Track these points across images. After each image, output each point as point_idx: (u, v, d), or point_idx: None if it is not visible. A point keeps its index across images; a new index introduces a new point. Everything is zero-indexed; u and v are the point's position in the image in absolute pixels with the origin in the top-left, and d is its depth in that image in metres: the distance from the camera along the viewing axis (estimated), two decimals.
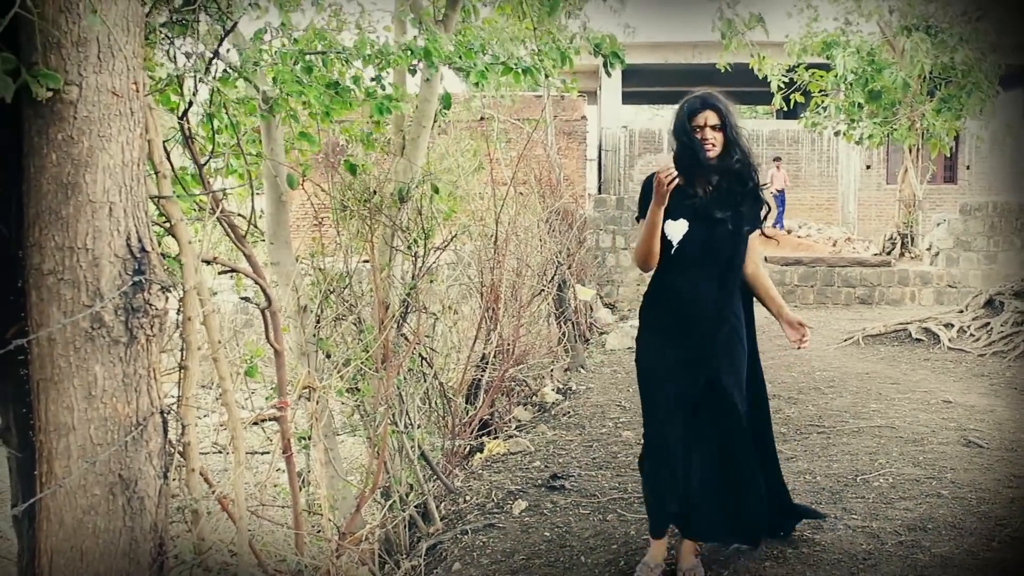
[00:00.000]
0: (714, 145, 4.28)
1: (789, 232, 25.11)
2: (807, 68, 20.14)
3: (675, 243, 4.35)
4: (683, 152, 4.33)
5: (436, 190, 6.96)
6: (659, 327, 4.50)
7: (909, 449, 6.62)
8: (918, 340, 12.09)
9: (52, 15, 2.86)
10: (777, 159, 26.72)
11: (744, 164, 4.36)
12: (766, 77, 17.64)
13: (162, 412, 3.26)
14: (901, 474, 6.01)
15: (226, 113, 5.46)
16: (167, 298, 3.23)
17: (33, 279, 2.97)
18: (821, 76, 20.17)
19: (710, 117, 4.28)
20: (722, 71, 16.03)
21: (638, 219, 4.41)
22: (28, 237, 2.97)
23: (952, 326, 12.18)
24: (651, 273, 4.51)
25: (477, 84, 6.42)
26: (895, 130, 19.47)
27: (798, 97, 19.73)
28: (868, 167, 28.86)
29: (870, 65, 18.72)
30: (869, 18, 19.04)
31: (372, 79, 6.27)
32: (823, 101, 20.57)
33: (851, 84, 19.05)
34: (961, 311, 12.75)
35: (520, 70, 6.57)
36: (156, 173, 3.49)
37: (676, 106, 4.44)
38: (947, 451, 6.56)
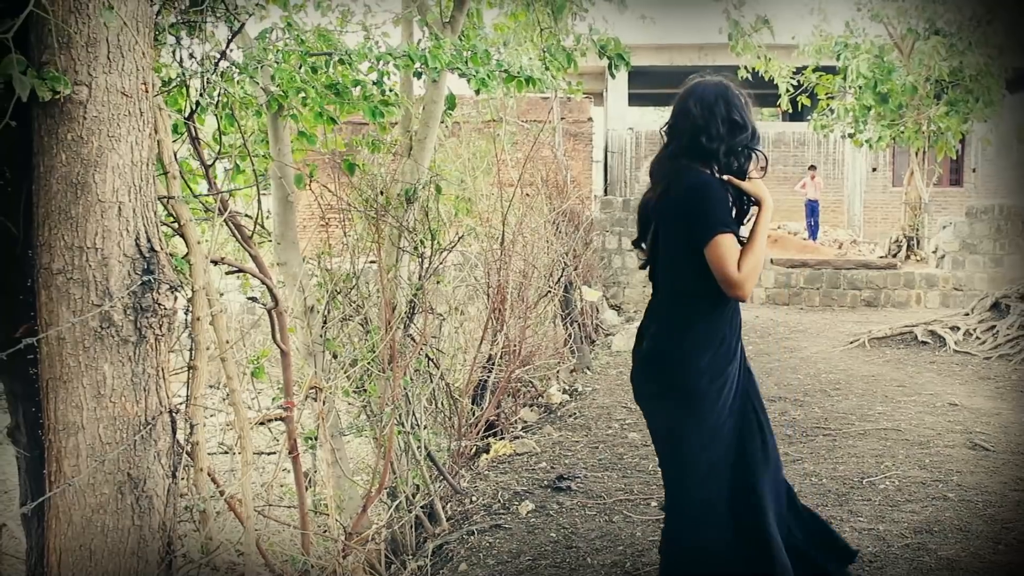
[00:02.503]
0: None
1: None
2: (814, 71, 20.15)
3: None
4: (756, 138, 3.71)
5: (439, 190, 6.97)
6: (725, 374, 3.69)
7: (915, 452, 6.62)
8: (924, 343, 12.08)
9: (62, 15, 2.87)
10: (812, 167, 26.07)
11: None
12: (772, 79, 17.66)
13: (171, 412, 3.27)
14: (907, 477, 6.01)
15: (231, 113, 5.48)
16: (176, 298, 3.25)
17: (43, 278, 2.98)
18: (829, 79, 20.17)
19: None
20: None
21: (725, 230, 3.49)
22: (38, 236, 2.99)
23: (958, 329, 12.16)
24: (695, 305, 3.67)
25: (478, 91, 6.44)
26: (902, 133, 19.45)
27: (804, 100, 19.73)
28: (874, 169, 28.86)
29: (878, 68, 18.72)
30: (876, 21, 19.03)
31: (374, 82, 6.28)
32: (829, 104, 20.57)
33: (860, 88, 19.03)
34: (967, 314, 12.73)
35: (523, 78, 6.58)
36: (165, 173, 3.50)
37: (727, 87, 3.73)
38: (953, 454, 6.55)
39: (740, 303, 3.71)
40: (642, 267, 3.99)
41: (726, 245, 3.44)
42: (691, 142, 3.63)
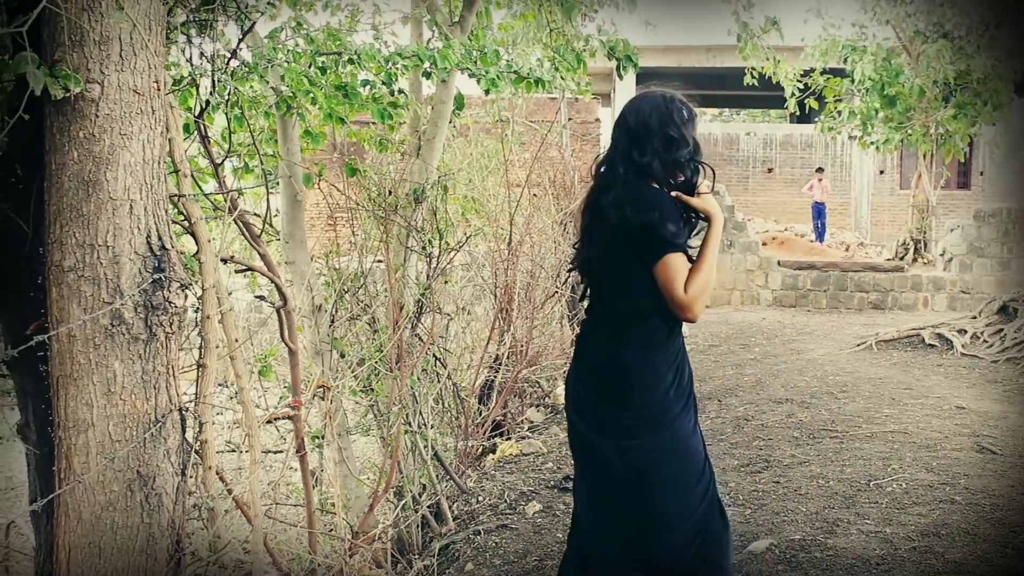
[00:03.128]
0: None
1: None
2: (822, 73, 20.13)
3: None
4: (699, 153, 3.55)
5: (446, 189, 6.97)
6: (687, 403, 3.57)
7: (922, 455, 6.61)
8: (931, 346, 12.05)
9: (75, 13, 2.88)
10: (819, 170, 25.68)
11: None
12: (779, 81, 17.66)
13: (180, 409, 3.27)
14: (914, 480, 6.00)
15: (240, 112, 5.49)
16: (186, 296, 3.25)
17: (54, 276, 2.99)
18: (836, 82, 20.15)
19: None
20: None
21: (674, 249, 3.35)
22: (49, 234, 2.99)
23: (965, 332, 12.13)
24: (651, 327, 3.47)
25: (487, 91, 6.44)
26: (909, 135, 19.43)
27: (812, 102, 19.71)
28: (881, 172, 28.82)
29: (886, 71, 18.70)
30: (884, 24, 19.01)
31: (383, 83, 6.28)
32: (837, 107, 20.54)
33: (868, 90, 19.01)
34: (974, 317, 12.71)
35: (532, 80, 6.58)
36: (176, 172, 3.51)
37: (665, 101, 3.54)
38: (960, 457, 6.54)
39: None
40: (577, 270, 3.72)
41: (674, 265, 3.32)
42: (627, 156, 3.48)
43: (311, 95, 5.90)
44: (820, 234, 24.58)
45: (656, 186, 3.46)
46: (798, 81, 18.43)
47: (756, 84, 16.77)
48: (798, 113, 21.69)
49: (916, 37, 18.52)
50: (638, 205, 3.37)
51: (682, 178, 3.49)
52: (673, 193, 3.47)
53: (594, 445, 3.57)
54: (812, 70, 20.02)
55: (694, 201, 3.50)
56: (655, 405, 3.43)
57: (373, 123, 7.13)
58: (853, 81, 19.24)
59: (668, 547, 3.49)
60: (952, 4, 18.21)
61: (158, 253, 3.10)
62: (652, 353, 3.44)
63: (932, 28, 18.30)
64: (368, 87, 6.28)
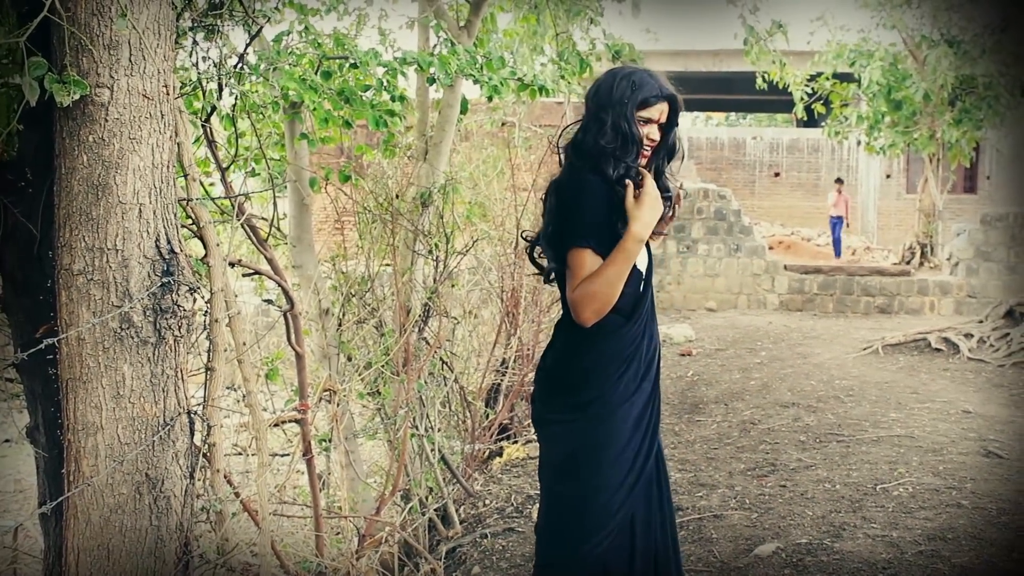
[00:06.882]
0: (652, 148, 3.17)
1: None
2: (829, 78, 20.12)
3: (643, 277, 3.21)
4: (624, 145, 3.06)
5: (454, 191, 6.98)
6: (632, 399, 3.13)
7: (929, 459, 6.60)
8: (937, 350, 12.04)
9: (84, 18, 2.89)
10: (838, 181, 25.02)
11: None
12: (787, 86, 17.65)
13: (189, 413, 3.29)
14: (921, 484, 5.99)
15: (248, 116, 5.50)
16: (194, 299, 3.26)
17: (63, 279, 3.00)
18: (843, 87, 20.14)
19: (665, 111, 3.15)
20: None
21: (583, 244, 2.98)
22: (58, 237, 3.01)
23: (972, 336, 12.12)
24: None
25: (490, 98, 6.44)
26: (916, 139, 19.41)
27: (819, 107, 19.69)
28: (888, 176, 28.77)
29: (893, 76, 18.69)
30: (890, 29, 19.00)
31: (385, 89, 6.27)
32: (844, 111, 20.52)
33: (874, 95, 18.99)
34: (981, 321, 12.69)
35: (536, 87, 6.58)
36: (185, 176, 3.52)
37: (607, 77, 3.17)
38: (967, 461, 6.54)
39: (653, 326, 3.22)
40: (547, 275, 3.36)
41: (576, 261, 2.97)
42: (574, 136, 3.16)
43: (304, 100, 5.91)
44: (835, 247, 23.84)
45: (590, 171, 3.07)
46: (805, 85, 18.43)
47: (766, 88, 16.79)
48: (805, 118, 21.65)
49: (923, 42, 18.50)
50: (561, 190, 3.09)
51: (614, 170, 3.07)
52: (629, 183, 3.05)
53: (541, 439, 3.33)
54: (819, 74, 20.02)
55: (628, 196, 3.04)
56: (596, 390, 3.08)
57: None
58: (860, 86, 19.23)
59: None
60: (957, 9, 18.18)
61: (167, 257, 3.12)
62: (587, 352, 3.10)
63: (939, 33, 18.28)
64: (370, 91, 6.29)
